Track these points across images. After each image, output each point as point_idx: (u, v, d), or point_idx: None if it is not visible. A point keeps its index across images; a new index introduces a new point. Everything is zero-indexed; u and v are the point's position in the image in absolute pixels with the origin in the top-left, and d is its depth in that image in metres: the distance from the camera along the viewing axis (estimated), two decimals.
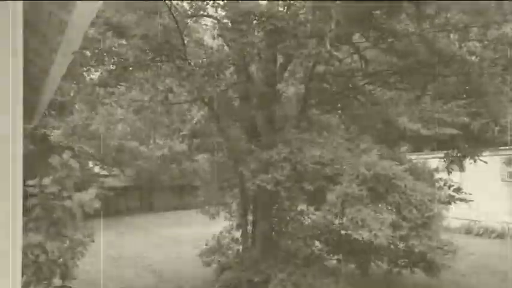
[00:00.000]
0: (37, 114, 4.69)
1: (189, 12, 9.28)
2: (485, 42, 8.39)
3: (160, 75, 10.12)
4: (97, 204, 7.20)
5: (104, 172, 23.80)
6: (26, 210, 5.45)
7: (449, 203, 8.88)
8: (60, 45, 2.25)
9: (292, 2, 8.72)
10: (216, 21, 9.93)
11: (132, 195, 26.09)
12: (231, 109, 10.17)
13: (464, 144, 10.24)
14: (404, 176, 7.79)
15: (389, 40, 8.84)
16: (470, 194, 8.97)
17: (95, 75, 10.64)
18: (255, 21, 8.02)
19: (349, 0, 7.72)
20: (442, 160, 11.20)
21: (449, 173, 10.86)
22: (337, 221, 7.44)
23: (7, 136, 1.60)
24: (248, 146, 9.07)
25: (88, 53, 9.08)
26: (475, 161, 10.48)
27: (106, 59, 8.91)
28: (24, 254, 5.38)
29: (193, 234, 15.22)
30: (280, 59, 9.91)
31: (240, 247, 10.31)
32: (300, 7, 8.77)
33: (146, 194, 26.63)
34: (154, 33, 8.00)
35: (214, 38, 10.25)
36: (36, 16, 2.11)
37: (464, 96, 9.35)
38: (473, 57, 8.04)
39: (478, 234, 16.57)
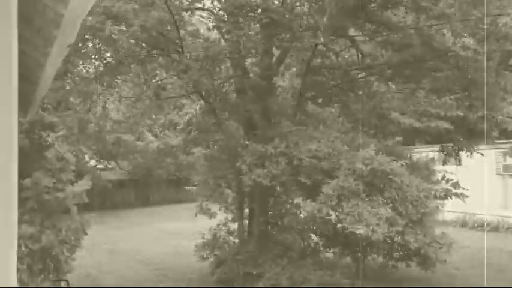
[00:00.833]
0: (32, 108, 4.67)
1: (185, 4, 9.23)
2: (482, 33, 8.36)
3: (156, 69, 10.07)
4: (86, 199, 7.22)
5: (100, 166, 23.79)
6: (20, 202, 5.44)
7: (445, 197, 8.87)
8: (56, 38, 2.24)
9: None
10: (211, 14, 9.89)
11: (128, 188, 26.08)
12: (227, 103, 10.13)
13: (460, 138, 10.25)
14: (402, 171, 7.78)
15: (385, 34, 8.83)
16: (468, 189, 8.93)
17: (91, 69, 10.58)
18: (250, 14, 8.00)
19: None
20: (440, 153, 11.20)
21: (444, 164, 10.88)
22: (333, 215, 7.41)
23: (2, 129, 1.60)
24: (244, 139, 9.06)
25: (85, 45, 8.99)
26: (471, 153, 10.50)
27: (102, 52, 8.86)
28: (18, 246, 5.37)
29: (189, 228, 15.23)
30: (276, 53, 9.89)
31: (236, 240, 10.33)
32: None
33: (142, 187, 26.61)
34: (152, 25, 7.92)
35: (209, 30, 10.18)
36: (31, 9, 2.10)
37: (457, 91, 9.36)
38: (469, 52, 8.02)
39: (473, 227, 16.66)
